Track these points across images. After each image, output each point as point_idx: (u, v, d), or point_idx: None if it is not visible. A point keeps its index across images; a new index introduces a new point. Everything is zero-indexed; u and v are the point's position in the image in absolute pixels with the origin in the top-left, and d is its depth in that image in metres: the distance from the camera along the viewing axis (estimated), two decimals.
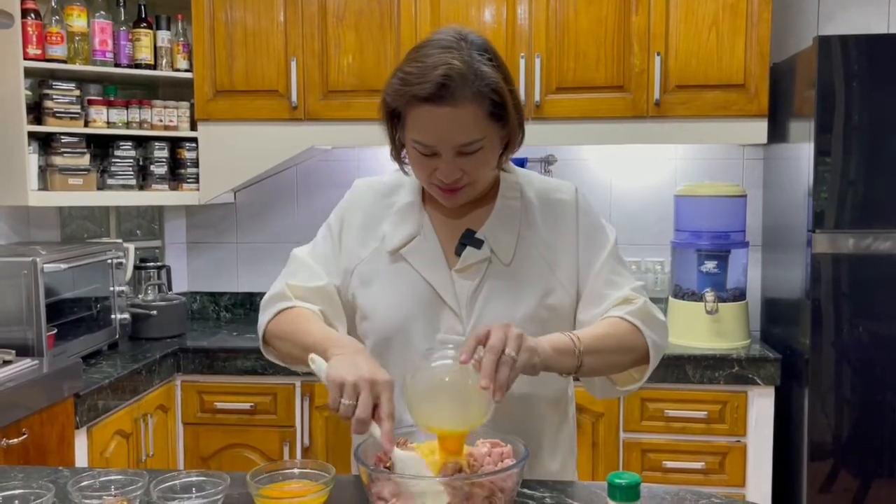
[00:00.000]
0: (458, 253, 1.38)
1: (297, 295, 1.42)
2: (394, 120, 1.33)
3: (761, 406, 2.70)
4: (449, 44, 1.26)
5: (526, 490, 1.28)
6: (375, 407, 1.14)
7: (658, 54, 2.82)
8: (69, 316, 2.63)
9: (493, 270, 1.37)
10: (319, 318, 1.38)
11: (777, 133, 2.87)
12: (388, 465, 1.16)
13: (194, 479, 1.25)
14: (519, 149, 1.38)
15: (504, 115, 1.29)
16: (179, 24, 3.07)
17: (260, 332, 1.44)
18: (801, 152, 2.64)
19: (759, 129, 2.84)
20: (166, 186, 3.10)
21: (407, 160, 1.37)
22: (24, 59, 2.69)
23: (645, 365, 1.37)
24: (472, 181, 1.32)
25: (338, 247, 1.46)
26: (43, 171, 2.83)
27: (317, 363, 1.23)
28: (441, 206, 1.40)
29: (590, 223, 1.44)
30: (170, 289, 3.24)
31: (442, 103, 1.23)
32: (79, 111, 2.86)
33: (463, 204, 1.37)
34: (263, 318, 1.43)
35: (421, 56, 1.27)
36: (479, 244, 1.37)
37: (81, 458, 2.33)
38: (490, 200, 1.41)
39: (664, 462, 2.72)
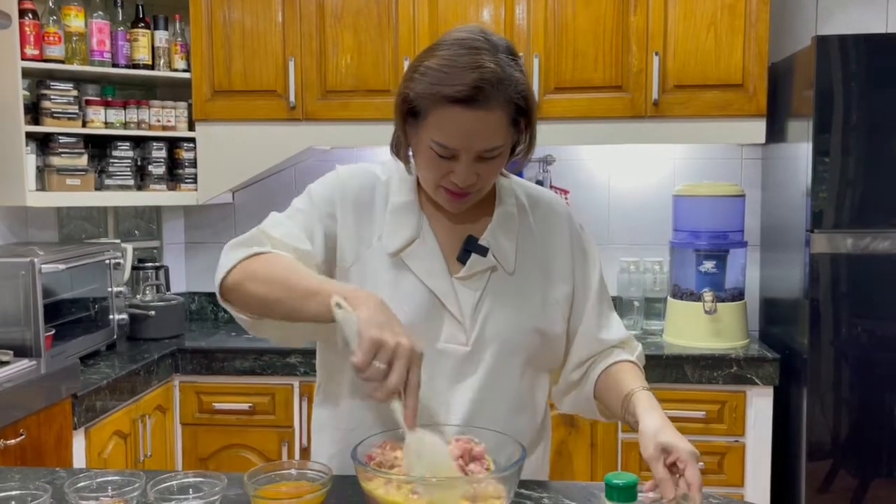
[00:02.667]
0: (462, 260, 1.34)
1: (274, 245, 1.30)
2: (409, 117, 1.27)
3: (760, 406, 2.70)
4: (478, 45, 1.22)
5: (523, 490, 1.28)
6: None
7: (656, 54, 2.82)
8: (67, 316, 2.63)
9: (497, 280, 1.35)
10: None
11: (775, 133, 2.87)
12: (377, 461, 1.16)
13: (191, 479, 1.25)
14: (531, 156, 1.35)
15: (522, 121, 1.27)
16: (177, 24, 3.07)
17: (222, 273, 1.28)
18: (800, 152, 2.64)
19: (757, 129, 2.84)
20: (164, 187, 3.09)
21: (412, 159, 1.33)
22: (22, 59, 2.68)
23: None
24: (482, 187, 1.30)
25: (320, 221, 1.35)
26: (41, 171, 2.82)
27: (344, 309, 1.11)
28: (439, 209, 1.36)
29: (580, 242, 1.43)
30: (168, 289, 3.23)
31: (474, 106, 1.20)
32: (76, 111, 2.85)
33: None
34: (231, 258, 1.28)
35: (449, 55, 1.21)
36: (484, 251, 1.34)
37: (79, 459, 2.32)
38: (488, 205, 1.38)
39: None
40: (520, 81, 1.23)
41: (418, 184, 1.37)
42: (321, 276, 1.27)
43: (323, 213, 1.36)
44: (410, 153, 1.33)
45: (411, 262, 1.33)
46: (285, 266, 1.25)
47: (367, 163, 1.44)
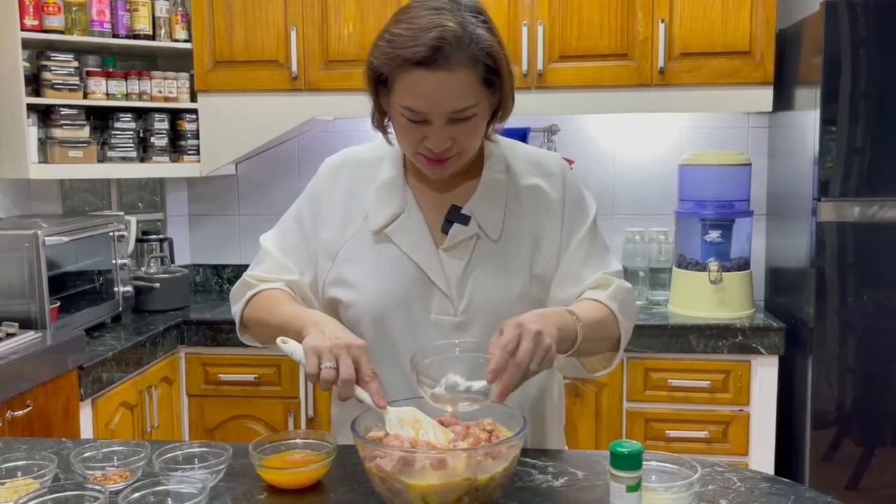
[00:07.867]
0: (445, 231, 1.33)
1: (263, 282, 1.40)
2: (379, 86, 1.27)
3: (765, 375, 2.70)
4: (440, 4, 1.21)
5: (528, 459, 1.28)
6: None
7: (662, 21, 2.78)
8: (72, 289, 2.63)
9: (482, 248, 1.33)
10: (289, 295, 1.36)
11: (783, 101, 2.84)
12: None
13: (197, 450, 1.26)
14: (508, 117, 1.33)
15: (496, 80, 1.25)
16: None
17: (237, 320, 1.42)
18: (807, 120, 2.61)
19: (764, 97, 2.81)
20: (167, 158, 3.08)
21: (391, 129, 1.32)
22: (22, 30, 2.66)
23: (613, 352, 1.36)
24: (461, 151, 1.27)
25: (304, 238, 1.41)
26: (43, 143, 2.81)
27: (288, 344, 1.21)
28: (425, 180, 1.35)
29: (574, 197, 1.40)
30: (172, 261, 3.23)
31: (436, 67, 1.18)
32: (77, 83, 2.83)
33: (448, 177, 1.32)
34: (237, 307, 1.41)
35: (411, 17, 1.21)
36: (465, 220, 1.33)
37: (87, 430, 2.34)
38: (475, 174, 1.36)
39: (667, 431, 2.72)
40: (483, 38, 1.21)
41: (405, 158, 1.36)
42: (294, 310, 1.31)
43: (309, 222, 1.41)
44: (389, 123, 1.32)
45: (396, 238, 1.34)
46: (270, 306, 1.34)
47: (356, 145, 1.46)
